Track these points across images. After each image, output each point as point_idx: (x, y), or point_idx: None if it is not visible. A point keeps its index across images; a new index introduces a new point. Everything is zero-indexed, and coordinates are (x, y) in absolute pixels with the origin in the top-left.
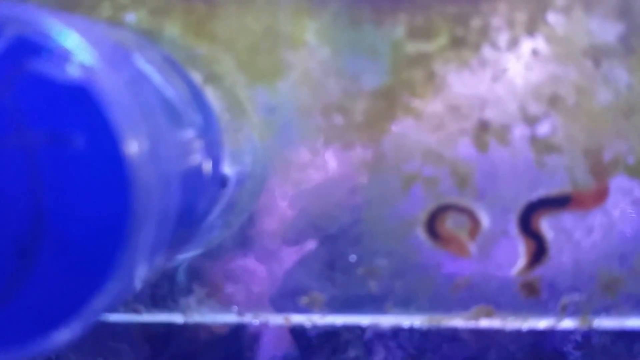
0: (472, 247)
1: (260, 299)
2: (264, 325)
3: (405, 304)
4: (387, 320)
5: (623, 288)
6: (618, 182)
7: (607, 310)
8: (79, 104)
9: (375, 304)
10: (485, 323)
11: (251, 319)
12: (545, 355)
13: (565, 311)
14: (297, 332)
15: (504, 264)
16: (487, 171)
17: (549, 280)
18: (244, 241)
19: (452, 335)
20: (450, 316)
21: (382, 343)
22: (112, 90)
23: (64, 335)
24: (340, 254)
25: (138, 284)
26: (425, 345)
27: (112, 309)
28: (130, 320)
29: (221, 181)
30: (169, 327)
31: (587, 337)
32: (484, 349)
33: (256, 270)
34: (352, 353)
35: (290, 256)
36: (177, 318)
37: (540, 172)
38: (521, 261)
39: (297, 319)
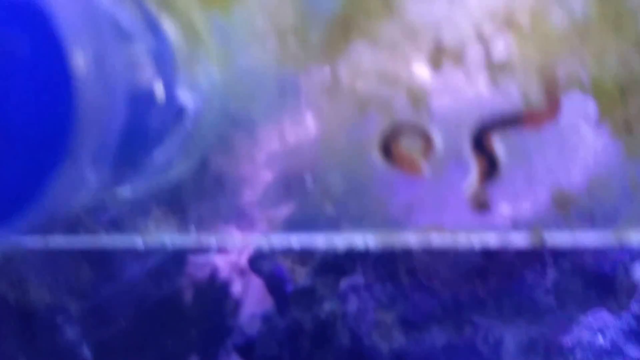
0: (426, 167)
1: (217, 218)
2: (245, 286)
3: (360, 224)
4: (341, 241)
5: (575, 204)
6: (571, 99)
7: (558, 226)
8: (26, 12)
9: (330, 224)
10: (437, 240)
11: (209, 240)
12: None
13: (517, 228)
14: (275, 289)
15: (457, 183)
16: (441, 92)
17: (501, 197)
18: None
19: (425, 288)
20: (404, 235)
21: (355, 294)
22: (59, 2)
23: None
24: (296, 175)
25: (87, 195)
26: (397, 293)
27: (63, 214)
28: (89, 246)
29: (178, 111)
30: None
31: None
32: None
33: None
34: (327, 306)
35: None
36: (136, 241)
37: (494, 92)
38: (473, 179)
39: (255, 239)
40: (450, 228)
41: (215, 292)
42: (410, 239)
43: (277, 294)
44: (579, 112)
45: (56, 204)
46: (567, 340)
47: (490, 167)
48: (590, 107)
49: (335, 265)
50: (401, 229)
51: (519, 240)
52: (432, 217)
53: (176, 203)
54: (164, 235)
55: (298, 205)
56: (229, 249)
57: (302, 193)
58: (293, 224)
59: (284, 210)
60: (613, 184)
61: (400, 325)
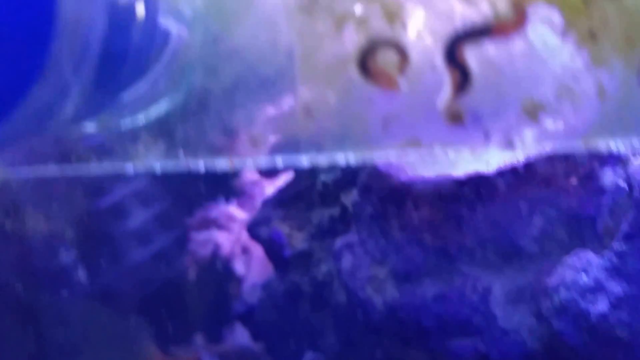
0: (401, 81)
1: (205, 142)
2: (247, 261)
3: (341, 142)
4: (323, 159)
5: (544, 112)
6: (537, 10)
7: (528, 132)
8: None
9: (312, 143)
10: (413, 155)
11: (197, 162)
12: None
13: (489, 137)
14: (274, 255)
15: (431, 96)
16: (415, 7)
17: (473, 108)
18: None
19: (416, 241)
20: (382, 150)
21: (350, 251)
22: None
23: None
24: (276, 96)
25: (71, 106)
26: (389, 248)
27: (45, 117)
28: (81, 173)
29: (162, 37)
30: None
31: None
32: None
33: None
34: (324, 268)
35: None
36: (127, 167)
37: (464, 6)
38: (447, 92)
39: (242, 162)
40: (427, 142)
41: (218, 268)
42: (389, 154)
43: (275, 259)
44: (545, 22)
45: (41, 110)
46: (552, 280)
47: (462, 79)
48: (556, 17)
49: (331, 227)
50: (380, 144)
51: (493, 151)
52: (409, 131)
53: (164, 129)
54: (152, 161)
55: (281, 126)
56: (229, 226)
57: (284, 113)
58: (277, 146)
59: (269, 132)
60: (580, 91)
61: (393, 278)
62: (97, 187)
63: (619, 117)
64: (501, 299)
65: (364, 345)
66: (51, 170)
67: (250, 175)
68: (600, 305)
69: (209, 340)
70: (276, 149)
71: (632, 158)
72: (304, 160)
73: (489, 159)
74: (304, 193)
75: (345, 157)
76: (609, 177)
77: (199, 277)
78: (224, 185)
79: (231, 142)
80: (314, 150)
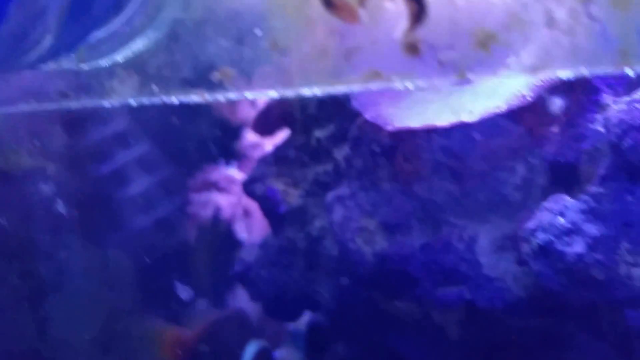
0: (362, 14)
1: (177, 77)
2: (247, 222)
3: (307, 75)
4: (291, 92)
5: (495, 43)
6: None
7: (481, 64)
8: None
9: (280, 76)
10: (375, 86)
11: (168, 96)
12: None
13: (443, 67)
14: (269, 211)
15: (390, 28)
16: None
17: (429, 40)
18: None
19: (404, 193)
20: (346, 82)
21: (341, 204)
22: None
23: None
24: (246, 30)
25: (47, 35)
26: (378, 200)
27: (24, 47)
28: (60, 108)
29: None
30: None
31: None
32: None
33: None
34: (317, 223)
35: None
36: (103, 102)
37: None
38: (404, 23)
39: (212, 96)
40: (387, 74)
41: (219, 231)
42: (353, 87)
43: (271, 216)
44: None
45: (19, 37)
46: (530, 224)
47: (419, 10)
48: None
49: (325, 183)
50: (343, 77)
51: (445, 81)
52: (370, 63)
53: (138, 64)
54: (128, 96)
55: (249, 60)
56: (229, 189)
57: (254, 47)
58: (246, 80)
59: (237, 66)
60: (530, 19)
61: (382, 230)
62: (97, 151)
63: (567, 47)
64: (486, 247)
65: (357, 303)
66: (32, 106)
67: (250, 137)
68: (576, 247)
69: (211, 305)
70: (245, 83)
71: (611, 104)
72: (273, 93)
73: (472, 109)
74: (299, 150)
75: (311, 91)
76: (589, 123)
77: (199, 240)
78: (225, 148)
79: (203, 77)
80: (281, 83)
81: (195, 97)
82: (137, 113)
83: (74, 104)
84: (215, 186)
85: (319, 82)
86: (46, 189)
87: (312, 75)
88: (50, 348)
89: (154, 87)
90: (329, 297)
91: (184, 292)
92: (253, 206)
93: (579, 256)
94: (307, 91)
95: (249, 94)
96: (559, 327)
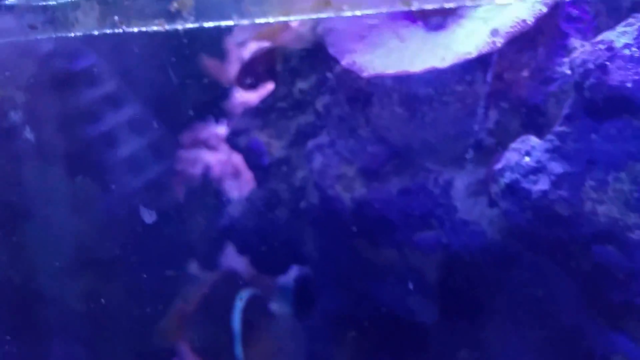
0: None
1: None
2: (237, 179)
3: (260, 4)
4: (246, 21)
5: None
6: None
7: None
8: None
9: (235, 6)
10: (325, 14)
11: (130, 28)
12: None
13: None
14: (253, 163)
15: None
16: None
17: None
18: None
19: (382, 140)
20: (297, 12)
21: (320, 151)
22: None
23: None
24: None
25: None
26: (357, 148)
27: None
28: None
29: None
30: None
31: None
32: None
33: None
34: (300, 174)
35: None
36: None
37: None
38: None
39: (171, 25)
40: (337, 2)
41: (208, 189)
42: (304, 15)
43: (255, 168)
44: None
45: None
46: (499, 165)
47: None
48: None
49: (307, 133)
50: (295, 6)
51: (392, 9)
52: None
53: None
54: (92, 28)
55: None
56: (219, 147)
57: None
58: (204, 9)
59: None
60: None
61: (361, 176)
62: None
63: None
64: (462, 192)
65: (340, 252)
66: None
67: (240, 96)
68: (541, 185)
69: (203, 267)
70: (201, 12)
71: (579, 47)
72: (228, 23)
73: (445, 55)
74: (282, 102)
75: (265, 18)
76: (557, 66)
77: (189, 198)
78: (214, 107)
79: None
80: (236, 13)
81: (155, 27)
82: (123, 65)
83: (42, 35)
84: (204, 144)
85: (272, 11)
86: (15, 116)
87: (266, 5)
88: (22, 275)
89: (115, 18)
90: (313, 247)
91: (147, 215)
92: (241, 162)
93: (544, 193)
94: (261, 20)
95: (206, 24)
96: (531, 267)
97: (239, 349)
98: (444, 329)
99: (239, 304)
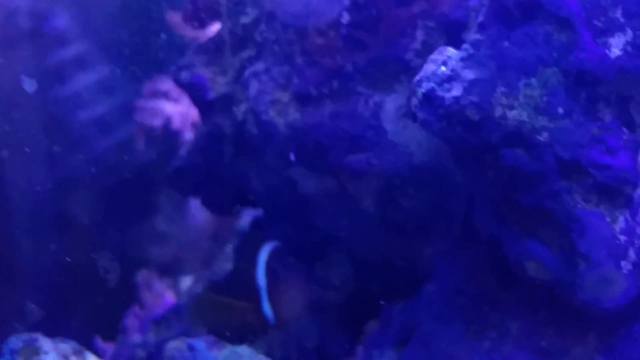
0: None
1: None
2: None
3: None
4: None
5: None
6: None
7: None
8: None
9: None
10: None
11: None
12: None
13: None
14: (197, 98)
15: None
16: None
17: None
18: None
19: (316, 64)
20: None
21: (256, 78)
22: None
23: None
24: None
25: None
26: (290, 75)
27: None
28: None
29: None
30: None
31: None
32: None
33: None
34: (242, 107)
35: None
36: None
37: None
38: None
39: None
40: None
41: (168, 141)
42: None
43: (199, 103)
44: None
45: None
46: (417, 77)
47: None
48: None
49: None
50: None
51: None
52: None
53: None
54: None
55: None
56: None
57: None
58: None
59: None
60: None
61: (295, 101)
62: None
63: None
64: (391, 114)
65: (282, 184)
66: None
67: (188, 35)
68: (454, 91)
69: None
70: None
71: None
72: None
73: None
74: (227, 37)
75: None
76: None
77: (149, 148)
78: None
79: None
80: None
81: None
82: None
83: None
84: (165, 96)
85: None
86: None
87: None
88: None
89: None
90: (257, 181)
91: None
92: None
93: (456, 99)
94: None
95: None
96: (460, 187)
97: (266, 306)
98: (380, 250)
99: (263, 259)
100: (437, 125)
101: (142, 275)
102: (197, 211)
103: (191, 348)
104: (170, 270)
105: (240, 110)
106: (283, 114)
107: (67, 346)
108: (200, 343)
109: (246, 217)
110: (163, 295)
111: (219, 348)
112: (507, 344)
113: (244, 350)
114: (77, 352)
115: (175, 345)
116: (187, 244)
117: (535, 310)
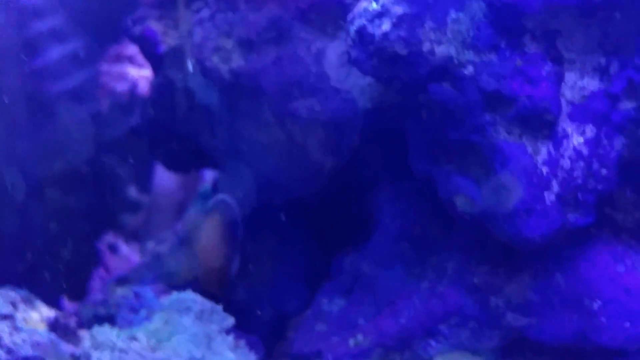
0: None
1: None
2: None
3: None
4: None
5: None
6: None
7: None
8: None
9: None
10: None
11: None
12: None
13: None
14: (148, 52)
15: None
16: None
17: None
18: None
19: (259, 9)
20: None
21: (200, 26)
22: None
23: None
24: None
25: None
26: (234, 21)
27: None
28: None
29: None
30: None
31: None
32: None
33: None
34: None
35: None
36: None
37: None
38: None
39: None
40: None
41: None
42: None
43: (150, 57)
44: None
45: None
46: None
47: None
48: None
49: None
50: None
51: None
52: None
53: None
54: None
55: None
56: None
57: None
58: None
59: None
60: None
61: (238, 47)
62: None
63: None
64: (334, 61)
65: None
66: None
67: None
68: (383, 27)
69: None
70: None
71: None
72: None
73: None
74: None
75: None
76: None
77: (112, 110)
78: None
79: None
80: None
81: None
82: None
83: None
84: (130, 61)
85: None
86: None
87: None
88: None
89: None
90: (209, 135)
91: None
92: None
93: (385, 35)
94: None
95: None
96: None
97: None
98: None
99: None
100: (368, 63)
101: (106, 241)
102: (163, 176)
103: (137, 295)
104: (137, 235)
105: (190, 62)
106: (226, 60)
107: (15, 294)
108: (147, 290)
109: (208, 178)
110: (129, 258)
111: (166, 295)
112: (443, 283)
113: (188, 294)
114: (25, 300)
115: (122, 293)
116: (154, 209)
117: (470, 250)
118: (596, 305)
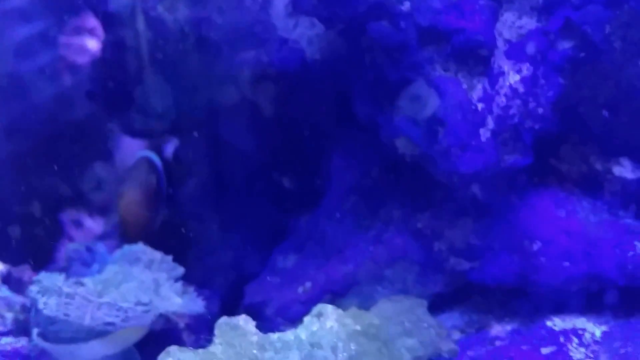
0: None
1: None
2: None
3: None
4: None
5: None
6: None
7: None
8: None
9: None
10: None
11: None
12: None
13: None
14: (97, 11)
15: None
16: None
17: None
18: None
19: None
20: None
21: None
22: None
23: None
24: None
25: None
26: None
27: None
28: None
29: None
30: None
31: None
32: None
33: None
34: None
35: None
36: None
37: None
38: None
39: None
40: None
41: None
42: None
43: (101, 15)
44: None
45: None
46: None
47: None
48: None
49: None
50: None
51: None
52: None
53: None
54: None
55: None
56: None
57: None
58: None
59: None
60: None
61: None
62: None
63: None
64: (281, 11)
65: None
66: None
67: None
68: None
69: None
70: None
71: None
72: None
73: None
74: None
75: None
76: None
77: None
78: None
79: None
80: None
81: None
82: None
83: None
84: (90, 33)
85: None
86: None
87: None
88: None
89: None
90: (160, 92)
91: None
92: None
93: None
94: None
95: None
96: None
97: None
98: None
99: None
100: (308, 1)
101: (69, 213)
102: (128, 148)
103: (89, 249)
104: (103, 209)
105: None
106: (172, 9)
107: None
108: (99, 245)
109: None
110: (93, 230)
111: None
112: (389, 230)
113: (138, 246)
114: None
115: (74, 247)
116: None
117: (414, 196)
118: (536, 246)
